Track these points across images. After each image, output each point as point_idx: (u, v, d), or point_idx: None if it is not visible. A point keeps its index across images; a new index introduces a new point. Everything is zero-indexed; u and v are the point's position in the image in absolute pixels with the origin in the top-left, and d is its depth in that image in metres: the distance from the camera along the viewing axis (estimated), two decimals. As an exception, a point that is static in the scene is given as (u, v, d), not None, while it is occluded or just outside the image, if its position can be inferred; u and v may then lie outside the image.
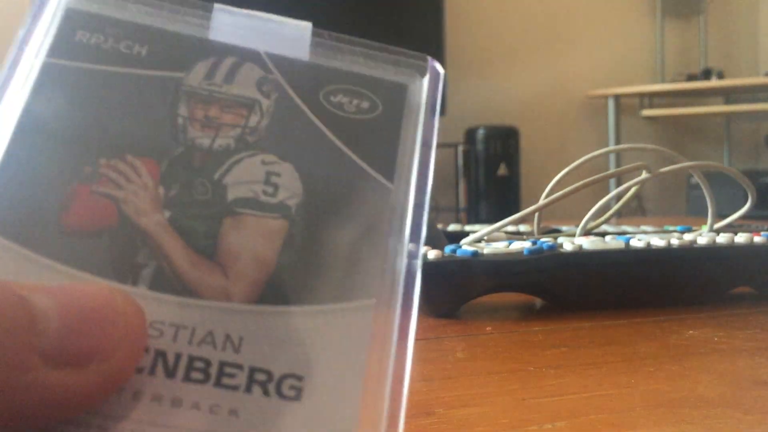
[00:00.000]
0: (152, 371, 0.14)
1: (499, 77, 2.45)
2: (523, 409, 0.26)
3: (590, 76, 2.55)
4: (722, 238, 0.46)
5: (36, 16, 0.18)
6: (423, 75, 0.19)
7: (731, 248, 0.46)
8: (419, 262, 0.17)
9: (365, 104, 0.19)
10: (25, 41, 0.17)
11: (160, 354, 0.15)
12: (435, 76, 0.19)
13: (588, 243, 0.44)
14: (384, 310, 0.16)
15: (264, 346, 0.15)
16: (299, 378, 0.15)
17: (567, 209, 0.74)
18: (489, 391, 0.28)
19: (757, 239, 0.46)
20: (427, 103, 0.19)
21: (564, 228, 0.59)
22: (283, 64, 0.19)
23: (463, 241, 0.49)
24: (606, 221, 0.58)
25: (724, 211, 0.58)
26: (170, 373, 0.15)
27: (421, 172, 0.18)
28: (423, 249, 0.17)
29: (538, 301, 0.47)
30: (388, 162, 0.18)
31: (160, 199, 0.16)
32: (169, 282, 0.16)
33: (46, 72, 0.17)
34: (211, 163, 0.17)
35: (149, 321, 0.15)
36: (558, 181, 0.57)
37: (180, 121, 0.17)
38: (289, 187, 0.17)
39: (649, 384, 0.28)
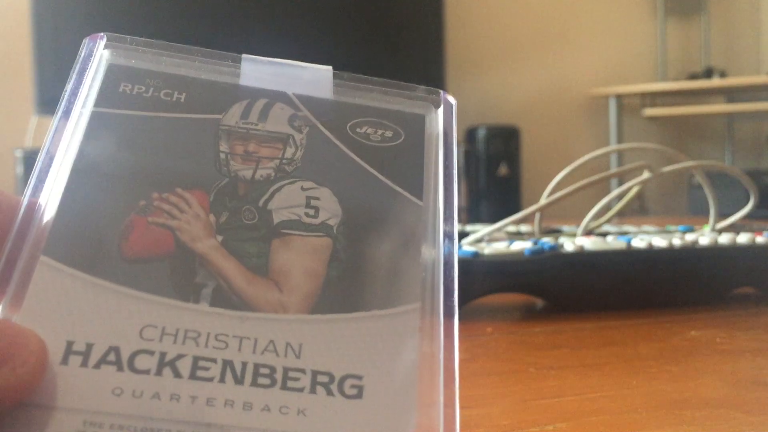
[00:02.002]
0: (222, 379, 0.16)
1: (500, 76, 2.45)
2: (525, 410, 0.26)
3: (592, 75, 2.55)
4: (724, 239, 0.46)
5: (81, 72, 0.20)
6: (437, 106, 0.21)
7: (733, 248, 0.45)
8: (456, 268, 0.18)
9: (389, 133, 0.20)
10: (73, 94, 0.19)
11: (228, 363, 0.16)
12: (448, 106, 0.21)
13: (589, 243, 0.44)
14: (428, 312, 0.18)
15: (323, 350, 0.17)
16: (359, 377, 0.16)
17: (568, 209, 0.73)
18: (490, 393, 0.28)
19: (760, 239, 0.46)
20: (445, 129, 0.21)
21: (565, 228, 0.59)
22: (310, 102, 0.20)
23: (464, 241, 0.49)
24: (607, 221, 0.58)
25: (726, 211, 0.58)
26: (239, 380, 0.16)
27: (447, 189, 0.20)
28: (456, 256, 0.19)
29: (539, 302, 0.47)
30: (416, 182, 0.20)
31: (212, 226, 0.18)
32: (228, 298, 0.17)
33: (95, 120, 0.19)
34: (255, 191, 0.19)
35: (213, 334, 0.16)
36: (559, 181, 0.57)
37: (222, 156, 0.19)
38: (329, 208, 0.19)
39: (651, 385, 0.28)
